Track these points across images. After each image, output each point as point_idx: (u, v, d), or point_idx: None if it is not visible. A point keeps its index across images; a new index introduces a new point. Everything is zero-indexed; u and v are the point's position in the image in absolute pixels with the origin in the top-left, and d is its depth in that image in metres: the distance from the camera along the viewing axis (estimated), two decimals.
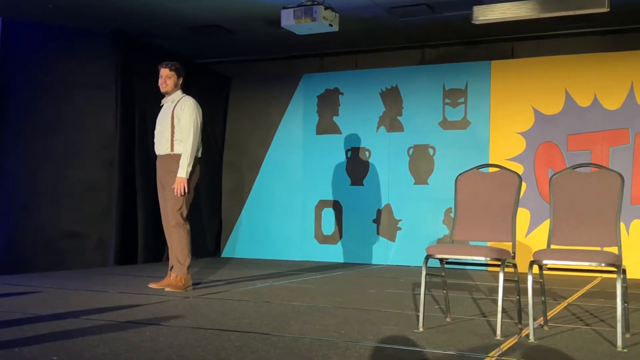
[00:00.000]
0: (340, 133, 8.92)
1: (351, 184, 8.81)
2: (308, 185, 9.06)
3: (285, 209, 9.16)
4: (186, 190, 5.42)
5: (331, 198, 8.90)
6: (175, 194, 5.41)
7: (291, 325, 4.01)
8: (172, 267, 5.55)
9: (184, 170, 5.41)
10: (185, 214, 5.50)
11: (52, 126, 7.17)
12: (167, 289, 5.43)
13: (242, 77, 9.68)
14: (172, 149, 5.50)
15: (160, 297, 5.06)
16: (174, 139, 5.49)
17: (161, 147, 5.58)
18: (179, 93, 5.65)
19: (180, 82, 5.65)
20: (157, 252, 8.16)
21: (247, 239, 9.38)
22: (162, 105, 5.71)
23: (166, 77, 5.60)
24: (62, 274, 6.64)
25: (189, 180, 5.45)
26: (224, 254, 9.49)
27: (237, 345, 3.40)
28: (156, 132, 5.64)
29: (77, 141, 7.29)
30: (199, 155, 5.57)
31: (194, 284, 5.67)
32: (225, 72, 9.68)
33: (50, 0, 6.90)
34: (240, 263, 8.43)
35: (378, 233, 8.62)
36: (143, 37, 8.07)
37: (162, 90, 5.62)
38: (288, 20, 6.15)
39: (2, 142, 6.80)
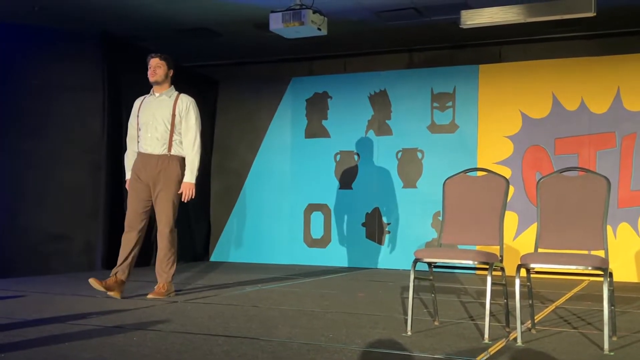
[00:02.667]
0: (329, 137, 8.92)
1: (340, 188, 8.81)
2: (297, 189, 9.05)
3: (274, 212, 9.14)
4: (194, 196, 5.29)
5: (320, 202, 8.90)
6: (184, 199, 5.26)
7: (279, 329, 4.00)
8: (118, 272, 5.23)
9: (193, 176, 5.25)
10: (175, 217, 5.33)
11: (38, 129, 7.12)
12: (149, 295, 5.27)
13: (231, 80, 9.66)
14: (169, 150, 5.25)
15: (147, 302, 5.03)
16: (173, 139, 5.26)
17: (154, 145, 5.24)
18: (172, 89, 5.40)
19: (170, 74, 5.41)
20: (146, 256, 8.11)
21: (235, 243, 9.36)
22: (146, 98, 5.39)
23: (155, 67, 5.33)
24: (48, 278, 6.59)
25: (182, 179, 5.28)
26: (213, 258, 9.46)
27: (225, 350, 3.38)
28: (145, 127, 5.26)
29: (63, 144, 7.24)
30: None
31: (175, 290, 5.51)
32: (213, 75, 9.66)
33: (37, 2, 6.85)
34: (229, 267, 8.40)
35: (367, 236, 8.62)
36: (130, 39, 8.03)
37: (152, 79, 5.32)
38: (276, 24, 6.14)
39: None
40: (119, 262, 5.22)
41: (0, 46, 6.91)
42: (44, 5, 6.92)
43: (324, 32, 6.22)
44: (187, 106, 5.30)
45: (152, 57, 5.38)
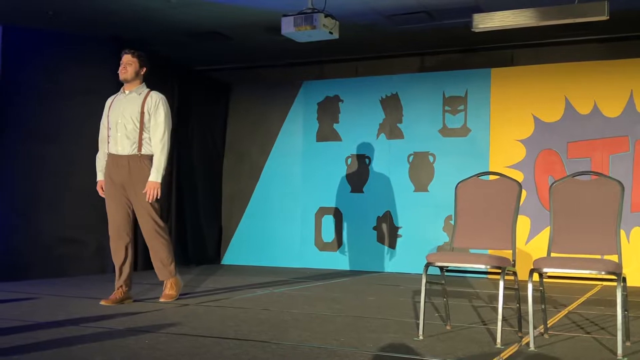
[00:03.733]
0: (341, 140, 8.92)
1: (351, 191, 8.81)
2: (308, 193, 9.05)
3: (285, 216, 9.15)
4: (159, 196, 5.04)
5: (331, 205, 8.90)
6: (148, 199, 5.00)
7: (290, 332, 4.00)
8: (122, 284, 5.12)
9: (159, 174, 5.01)
10: (160, 214, 5.13)
11: (51, 133, 7.16)
12: (161, 299, 5.19)
13: (242, 84, 9.68)
14: (139, 149, 5.05)
15: (158, 305, 5.04)
16: (143, 137, 5.05)
17: (124, 145, 5.06)
18: (143, 86, 5.21)
19: (142, 73, 5.20)
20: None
21: (247, 246, 9.37)
22: (116, 97, 5.25)
23: (126, 64, 5.14)
24: (61, 281, 6.62)
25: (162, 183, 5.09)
26: (224, 261, 9.47)
27: (235, 353, 3.38)
28: (115, 126, 5.09)
29: (76, 148, 7.27)
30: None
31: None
32: (225, 79, 9.68)
33: (50, 7, 6.91)
34: (240, 270, 8.41)
35: (378, 240, 8.61)
36: (143, 44, 8.05)
37: (121, 77, 5.15)
38: (288, 27, 6.15)
39: (2, 148, 6.79)
40: (117, 274, 5.16)
41: (14, 51, 6.95)
42: (57, 10, 6.97)
43: (335, 35, 6.22)
44: (156, 103, 5.10)
45: (125, 54, 5.21)
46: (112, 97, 5.31)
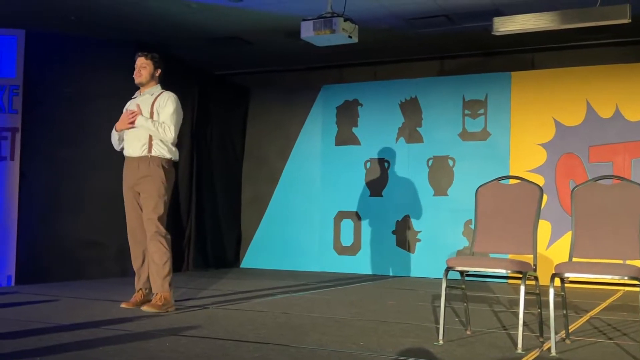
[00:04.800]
0: (359, 144, 8.92)
1: (370, 195, 8.79)
2: (327, 196, 9.05)
3: (304, 220, 9.16)
4: (130, 123, 4.94)
5: (350, 209, 8.89)
6: (129, 116, 4.93)
7: (310, 336, 4.00)
8: (142, 287, 5.06)
9: (145, 121, 4.92)
10: (165, 222, 4.96)
11: (73, 137, 7.24)
12: (143, 307, 4.83)
13: (261, 88, 9.72)
14: (149, 151, 4.97)
15: (178, 307, 5.06)
16: (153, 139, 4.97)
17: (135, 147, 5.00)
18: (157, 87, 5.16)
19: (157, 74, 5.17)
20: (177, 262, 8.19)
21: (266, 250, 9.38)
22: (132, 99, 5.22)
23: (140, 67, 5.11)
24: (82, 284, 6.68)
25: (165, 182, 4.95)
26: (243, 265, 9.50)
27: (255, 356, 3.39)
28: (128, 129, 5.06)
29: (97, 152, 7.33)
30: (176, 159, 5.13)
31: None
32: (244, 83, 9.73)
33: (73, 12, 6.99)
34: (259, 274, 8.43)
35: (397, 244, 8.59)
36: (163, 48, 8.12)
37: (137, 81, 5.13)
38: (307, 32, 6.16)
39: (24, 152, 6.88)
40: (136, 277, 5.12)
41: (37, 55, 7.04)
42: (80, 15, 7.05)
43: (354, 39, 6.22)
44: (165, 100, 5.04)
45: (139, 56, 5.17)
46: (129, 101, 5.31)
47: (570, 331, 4.14)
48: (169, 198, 5.07)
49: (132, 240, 5.15)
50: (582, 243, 3.89)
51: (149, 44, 7.87)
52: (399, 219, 8.59)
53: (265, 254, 9.37)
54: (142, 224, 5.02)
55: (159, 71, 5.21)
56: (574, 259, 3.87)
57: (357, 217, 8.84)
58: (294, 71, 9.49)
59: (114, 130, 5.20)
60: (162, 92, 5.14)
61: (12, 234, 6.77)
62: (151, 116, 5.02)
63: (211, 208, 9.05)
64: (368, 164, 8.86)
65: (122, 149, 5.21)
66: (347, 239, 8.89)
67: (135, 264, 5.16)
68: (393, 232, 8.62)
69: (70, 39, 7.39)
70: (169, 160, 5.05)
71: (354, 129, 8.97)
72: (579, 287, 6.80)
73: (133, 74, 5.19)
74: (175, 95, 5.14)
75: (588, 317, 5.09)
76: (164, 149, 5.01)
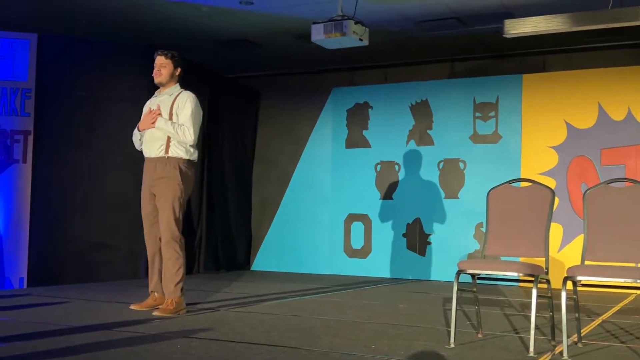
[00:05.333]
0: (370, 147, 8.91)
1: (381, 198, 8.78)
2: (337, 199, 9.05)
3: (314, 222, 9.16)
4: (153, 121, 4.91)
5: (360, 212, 8.88)
6: (152, 116, 4.91)
7: (321, 339, 4.00)
8: (154, 290, 5.03)
9: (165, 122, 4.86)
10: (181, 226, 4.91)
11: (85, 140, 7.28)
12: (155, 312, 4.79)
13: (272, 91, 9.73)
14: (167, 151, 4.91)
15: (189, 309, 5.06)
16: (170, 140, 4.91)
17: (153, 148, 4.95)
18: (177, 86, 5.10)
19: (177, 74, 5.09)
20: (188, 264, 8.20)
21: (276, 253, 9.39)
22: (152, 98, 5.17)
23: (160, 66, 5.04)
24: (93, 286, 6.71)
25: (181, 183, 4.88)
26: (254, 268, 9.51)
27: (267, 359, 3.39)
28: (147, 130, 5.01)
29: (109, 155, 7.38)
30: (194, 159, 5.06)
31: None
32: (255, 86, 9.75)
33: (84, 16, 7.03)
34: (270, 276, 8.44)
35: (408, 247, 8.57)
36: (174, 51, 8.16)
37: (156, 80, 5.06)
38: (318, 35, 6.16)
39: (37, 154, 6.92)
40: (150, 279, 5.10)
41: (50, 58, 7.08)
42: (91, 19, 7.09)
43: (365, 42, 6.22)
44: (184, 101, 4.97)
45: (158, 55, 5.09)
46: (149, 100, 5.25)
47: (582, 335, 4.12)
48: (186, 200, 5.01)
49: (147, 241, 5.11)
50: (595, 246, 3.87)
51: (159, 47, 7.89)
52: (410, 222, 8.57)
53: (275, 257, 9.37)
54: (157, 226, 4.96)
55: (179, 70, 5.13)
56: (586, 262, 3.85)
57: (367, 220, 8.83)
58: (304, 74, 9.50)
59: (136, 130, 5.15)
60: (180, 92, 5.07)
61: (25, 237, 6.81)
62: (170, 117, 4.95)
63: (222, 211, 9.07)
64: (378, 167, 8.85)
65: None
66: (357, 242, 8.88)
67: (150, 266, 5.11)
68: (404, 235, 8.60)
69: (81, 42, 7.43)
70: (186, 161, 4.97)
71: (365, 132, 8.97)
72: (591, 290, 6.76)
73: (152, 74, 5.12)
74: (193, 95, 5.06)
75: (600, 321, 5.06)
76: (182, 150, 4.94)
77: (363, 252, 8.83)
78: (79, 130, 7.25)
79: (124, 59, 7.60)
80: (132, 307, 5.06)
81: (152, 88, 5.35)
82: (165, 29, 7.42)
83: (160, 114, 4.97)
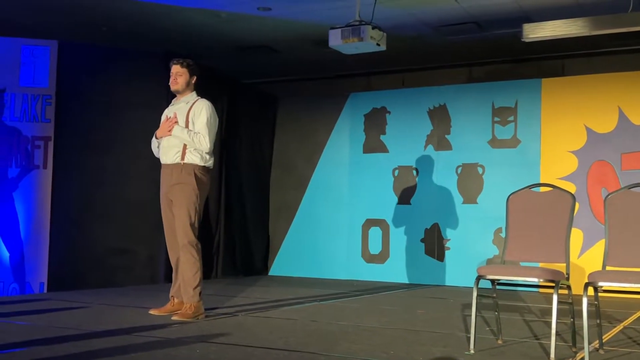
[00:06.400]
0: (388, 152, 8.90)
1: (398, 203, 8.76)
2: (355, 204, 9.04)
3: (331, 227, 9.15)
4: (169, 129, 4.96)
5: (378, 217, 8.86)
6: (169, 124, 4.97)
7: (339, 344, 3.99)
8: (174, 295, 5.08)
9: (181, 130, 4.92)
10: (197, 231, 4.96)
11: (104, 145, 7.34)
12: (174, 317, 4.84)
13: (289, 96, 9.75)
14: (182, 158, 4.96)
15: (208, 314, 5.08)
16: (187, 146, 4.97)
17: (170, 154, 5.01)
18: (193, 94, 5.16)
19: (193, 82, 5.16)
20: (206, 269, 8.23)
21: (294, 258, 9.39)
22: (170, 106, 5.23)
23: (176, 75, 5.09)
24: (113, 290, 6.75)
25: (197, 189, 4.94)
26: (271, 272, 9.52)
27: None
28: (164, 137, 5.07)
29: (127, 161, 7.43)
30: (210, 166, 5.08)
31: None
32: (272, 91, 9.77)
33: (104, 23, 7.10)
34: (287, 281, 8.44)
35: (426, 253, 8.53)
36: (193, 57, 8.17)
37: (173, 88, 5.12)
38: (336, 40, 6.17)
39: (57, 160, 6.99)
40: (173, 284, 5.15)
41: (70, 65, 7.15)
42: (111, 26, 7.16)
43: (383, 47, 6.22)
44: (200, 109, 5.03)
45: (174, 64, 5.15)
46: (167, 109, 5.31)
47: (603, 341, 4.08)
48: (202, 206, 5.06)
49: (168, 247, 5.17)
50: (616, 251, 3.83)
51: (178, 53, 7.95)
52: (428, 227, 8.54)
53: (293, 262, 9.38)
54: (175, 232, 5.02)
55: (195, 78, 5.19)
56: (608, 268, 3.81)
57: (385, 225, 8.81)
58: (321, 79, 9.51)
59: (154, 138, 5.22)
60: (196, 100, 5.13)
61: (45, 242, 6.87)
62: (186, 125, 5.01)
63: (240, 216, 9.10)
64: (396, 172, 8.83)
65: None
66: (375, 247, 8.86)
67: (174, 270, 5.14)
68: (422, 241, 8.57)
69: (101, 49, 7.50)
70: (202, 168, 5.02)
71: (382, 137, 8.96)
72: (612, 297, 6.69)
73: (169, 82, 5.17)
74: (209, 103, 5.12)
75: (622, 327, 5.00)
76: (197, 157, 4.99)
77: (381, 258, 8.80)
78: (99, 136, 7.31)
79: (143, 66, 7.66)
80: (152, 311, 5.09)
81: (170, 95, 5.39)
82: (184, 35, 7.47)
83: (176, 122, 5.04)
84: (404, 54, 8.16)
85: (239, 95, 9.16)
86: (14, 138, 6.98)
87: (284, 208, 9.57)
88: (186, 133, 4.98)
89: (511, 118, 8.20)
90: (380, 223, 8.85)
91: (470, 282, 3.94)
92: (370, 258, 8.88)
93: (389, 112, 8.95)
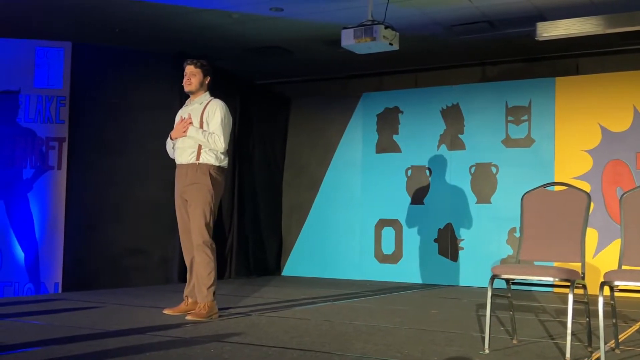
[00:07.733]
0: (400, 151, 8.87)
1: (411, 203, 8.74)
2: (368, 204, 9.02)
3: (344, 228, 9.14)
4: (185, 129, 4.99)
5: (391, 217, 8.84)
6: (183, 125, 4.99)
7: (353, 344, 3.98)
8: (188, 295, 5.10)
9: (196, 131, 4.94)
10: (212, 231, 4.99)
11: (118, 146, 7.37)
12: (188, 317, 4.86)
13: (302, 97, 9.75)
14: (197, 158, 4.99)
15: (222, 314, 5.09)
16: (202, 147, 5.00)
17: (185, 154, 5.03)
18: (206, 95, 5.18)
19: (207, 82, 5.18)
20: (219, 269, 8.24)
21: (307, 258, 9.39)
22: (184, 107, 5.27)
23: (190, 75, 5.12)
24: (127, 291, 6.77)
25: (211, 189, 4.95)
26: (284, 273, 9.52)
27: None
28: (179, 138, 5.09)
29: (141, 161, 7.46)
30: (224, 166, 5.11)
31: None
32: (285, 92, 9.78)
33: (117, 24, 7.13)
34: (300, 282, 8.44)
35: (439, 253, 8.50)
36: (205, 59, 8.19)
37: (186, 89, 5.14)
38: (348, 40, 6.16)
39: (71, 161, 7.03)
40: (187, 284, 5.16)
41: (83, 66, 7.19)
42: (124, 27, 7.19)
43: (395, 47, 6.20)
44: (214, 109, 5.05)
45: (187, 64, 5.18)
46: (181, 109, 5.33)
47: (620, 341, 4.04)
48: (216, 206, 5.07)
49: (183, 247, 5.19)
50: (632, 250, 3.80)
51: (191, 54, 7.97)
52: (441, 227, 8.51)
53: (306, 262, 9.38)
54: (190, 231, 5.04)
55: (208, 79, 5.21)
56: (624, 267, 3.78)
57: (398, 225, 8.79)
58: (334, 79, 9.50)
59: (169, 139, 5.24)
60: (210, 101, 5.14)
61: (59, 242, 6.92)
62: (201, 126, 5.03)
63: (253, 216, 9.11)
64: (409, 172, 8.81)
65: None
66: (388, 247, 8.84)
67: (189, 269, 5.16)
68: (435, 241, 8.54)
69: (114, 50, 7.54)
70: (217, 168, 5.03)
71: (395, 137, 8.94)
72: (628, 296, 6.63)
73: (182, 83, 5.20)
74: (223, 103, 5.14)
75: (638, 327, 4.96)
76: (212, 157, 5.01)
77: (394, 258, 8.79)
78: (113, 137, 7.35)
79: (156, 67, 7.69)
80: (165, 311, 5.11)
81: (183, 96, 5.41)
82: (197, 36, 7.49)
83: (191, 123, 5.06)
84: (417, 54, 8.14)
85: (251, 96, 9.17)
86: (28, 139, 7.03)
87: (296, 208, 9.57)
88: (201, 134, 5.00)
89: (525, 117, 8.16)
90: (393, 223, 8.83)
91: (484, 282, 3.92)
92: (383, 258, 8.86)
93: (402, 112, 8.93)
